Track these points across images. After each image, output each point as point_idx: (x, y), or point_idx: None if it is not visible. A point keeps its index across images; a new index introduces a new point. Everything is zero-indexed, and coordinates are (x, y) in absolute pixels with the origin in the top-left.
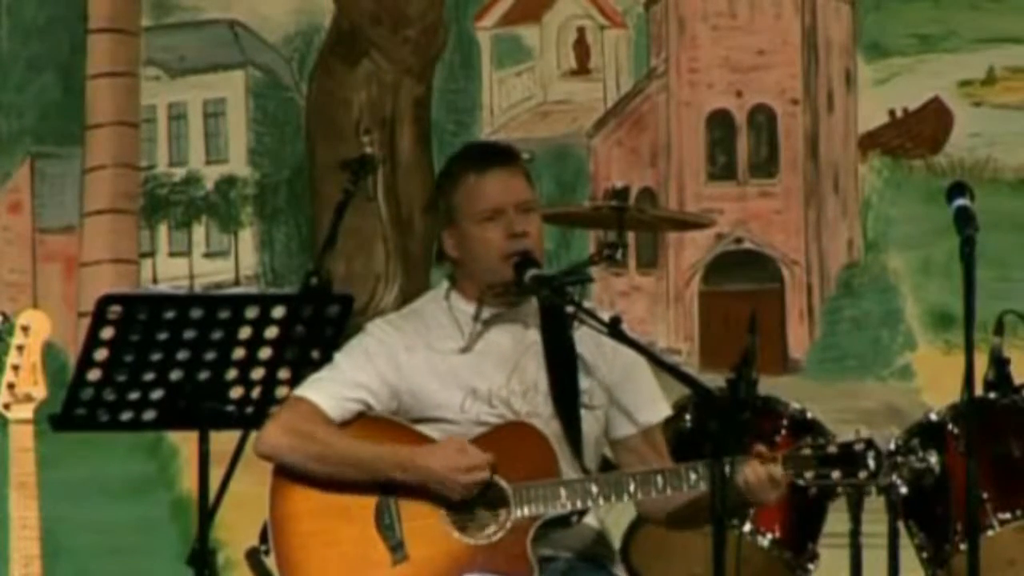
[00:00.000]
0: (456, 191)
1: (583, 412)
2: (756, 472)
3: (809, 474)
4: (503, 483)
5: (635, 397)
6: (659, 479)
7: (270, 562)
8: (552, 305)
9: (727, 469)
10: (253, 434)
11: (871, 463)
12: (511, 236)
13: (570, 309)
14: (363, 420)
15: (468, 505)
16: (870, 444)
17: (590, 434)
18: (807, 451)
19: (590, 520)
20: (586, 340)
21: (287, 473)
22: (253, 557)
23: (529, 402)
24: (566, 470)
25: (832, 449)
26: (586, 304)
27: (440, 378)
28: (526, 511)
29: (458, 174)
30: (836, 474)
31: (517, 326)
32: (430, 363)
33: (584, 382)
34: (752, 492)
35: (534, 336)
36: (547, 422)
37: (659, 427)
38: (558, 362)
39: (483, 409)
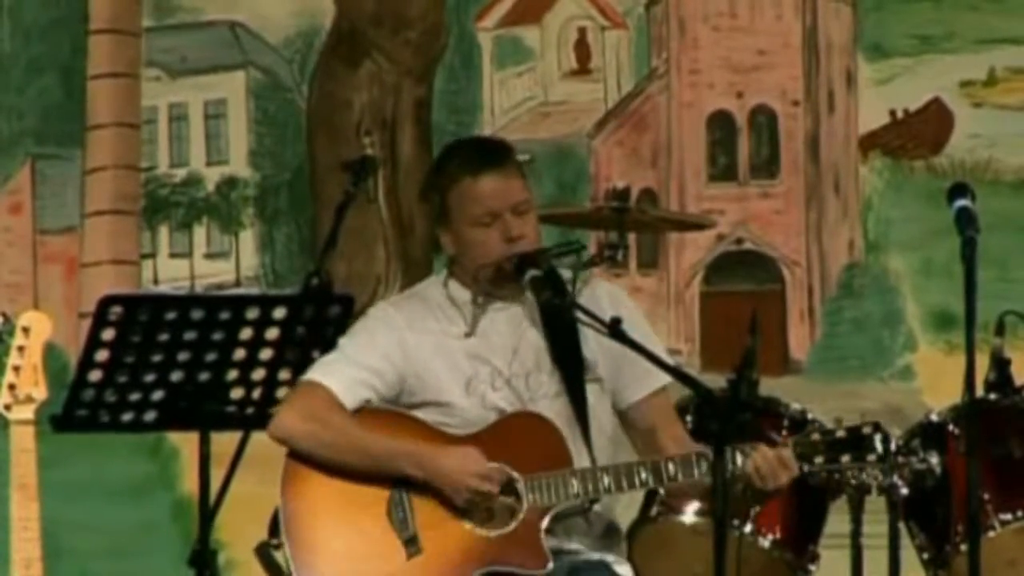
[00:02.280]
0: (450, 193)
1: (588, 385)
2: (766, 456)
3: (818, 459)
4: (515, 474)
5: (628, 370)
6: (670, 467)
7: (279, 557)
8: (550, 283)
9: (738, 457)
10: (254, 435)
11: (879, 446)
12: (508, 240)
13: (577, 312)
14: (372, 412)
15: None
16: (877, 427)
17: (597, 406)
18: (816, 436)
19: (600, 508)
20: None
21: (301, 462)
22: (263, 552)
23: (532, 384)
24: (575, 448)
25: (840, 433)
26: (594, 285)
27: (444, 359)
28: (538, 502)
29: (452, 175)
30: (845, 458)
31: (517, 309)
32: (434, 344)
33: (587, 356)
34: (763, 477)
35: (534, 316)
36: (553, 400)
37: (656, 396)
38: (559, 340)
39: (488, 391)
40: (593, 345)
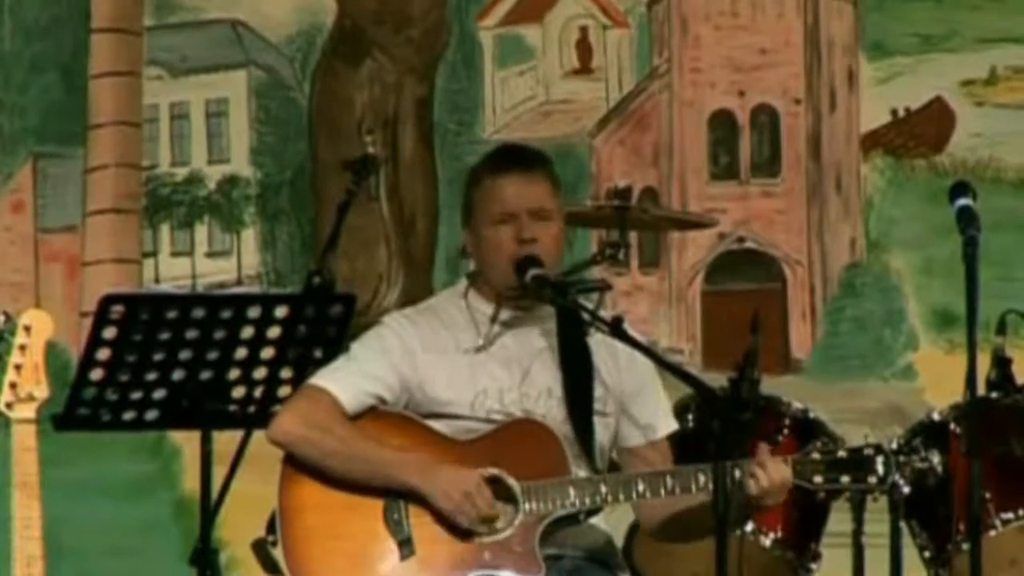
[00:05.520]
0: (474, 191)
1: (595, 418)
2: (770, 476)
3: (818, 478)
4: (512, 480)
5: (646, 409)
6: (668, 479)
7: (276, 553)
8: (567, 309)
9: (736, 474)
10: (256, 434)
11: (880, 468)
12: (519, 241)
13: (576, 310)
14: (375, 414)
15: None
16: (879, 449)
17: (600, 441)
18: (816, 455)
19: (598, 523)
20: (601, 348)
21: (297, 464)
22: (259, 548)
23: (542, 406)
24: (577, 473)
25: (842, 453)
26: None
27: (453, 377)
28: (535, 508)
29: (478, 175)
30: (845, 478)
31: (533, 329)
32: (444, 361)
33: (598, 389)
34: (761, 499)
35: (549, 340)
36: (559, 426)
37: (653, 447)
38: (573, 367)
39: (494, 408)
40: (607, 380)
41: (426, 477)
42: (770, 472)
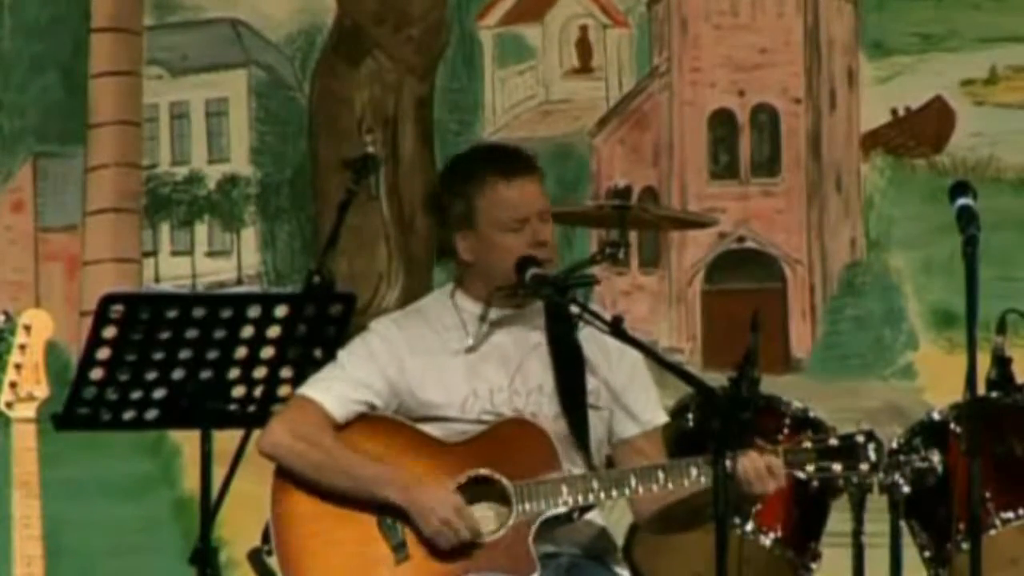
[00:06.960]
0: (480, 195)
1: (589, 412)
2: (754, 463)
3: (810, 467)
4: (505, 480)
5: (639, 399)
6: (660, 474)
7: (272, 562)
8: (557, 306)
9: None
10: (255, 433)
11: (872, 455)
12: (534, 245)
13: (574, 308)
14: (366, 420)
15: (469, 502)
16: (871, 436)
17: (595, 435)
18: (807, 444)
19: (593, 517)
20: (590, 342)
21: (289, 473)
22: (255, 557)
23: (533, 403)
24: (572, 470)
25: (833, 441)
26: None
27: (442, 379)
28: (528, 508)
29: (483, 178)
30: (837, 467)
31: (522, 327)
32: (433, 364)
33: (591, 382)
34: (749, 483)
35: (539, 337)
36: (552, 422)
37: (660, 430)
38: (564, 363)
39: (485, 408)
40: (598, 374)
41: (407, 496)
42: (754, 458)
